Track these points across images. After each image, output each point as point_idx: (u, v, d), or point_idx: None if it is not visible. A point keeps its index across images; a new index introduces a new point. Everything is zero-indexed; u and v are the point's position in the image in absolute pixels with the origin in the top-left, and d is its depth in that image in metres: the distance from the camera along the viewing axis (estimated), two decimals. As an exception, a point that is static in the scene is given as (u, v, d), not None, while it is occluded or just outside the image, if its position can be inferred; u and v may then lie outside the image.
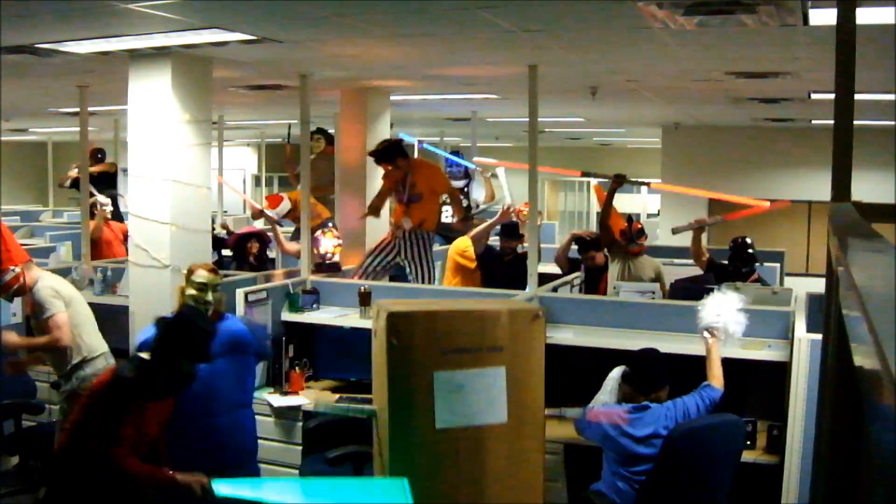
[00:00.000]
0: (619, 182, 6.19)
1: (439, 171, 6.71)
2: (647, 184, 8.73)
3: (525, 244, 6.52)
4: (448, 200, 6.82)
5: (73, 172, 8.61)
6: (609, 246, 6.23)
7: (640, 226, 6.24)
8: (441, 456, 2.68)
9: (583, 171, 7.91)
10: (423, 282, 6.04)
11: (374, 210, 6.30)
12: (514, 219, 6.94)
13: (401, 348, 2.62)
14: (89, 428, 3.24)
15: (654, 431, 3.55)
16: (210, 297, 3.97)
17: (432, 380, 2.60)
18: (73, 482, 3.29)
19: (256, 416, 4.76)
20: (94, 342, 4.49)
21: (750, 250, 5.87)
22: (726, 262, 5.95)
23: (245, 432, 4.10)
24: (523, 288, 5.97)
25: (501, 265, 6.51)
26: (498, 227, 6.79)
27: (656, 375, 3.75)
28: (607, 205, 6.32)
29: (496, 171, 8.50)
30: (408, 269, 6.15)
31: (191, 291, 3.95)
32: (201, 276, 3.98)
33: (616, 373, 3.84)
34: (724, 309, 3.93)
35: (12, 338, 4.46)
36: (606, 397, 3.80)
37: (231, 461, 3.98)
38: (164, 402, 3.43)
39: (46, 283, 4.39)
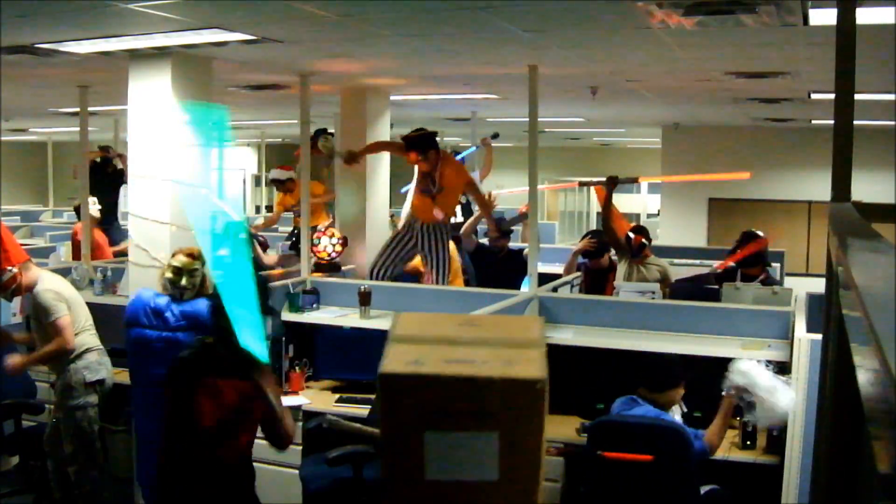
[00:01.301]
0: (612, 184, 6.22)
1: (462, 165, 6.64)
2: (636, 179, 8.71)
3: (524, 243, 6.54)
4: (470, 197, 6.76)
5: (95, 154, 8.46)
6: (616, 247, 6.21)
7: (640, 240, 6.09)
8: (432, 502, 2.72)
9: (580, 182, 8.03)
10: (437, 274, 6.04)
11: (365, 151, 6.16)
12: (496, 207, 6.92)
13: (391, 405, 2.66)
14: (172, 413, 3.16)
15: None
16: (184, 281, 4.08)
17: (423, 438, 2.63)
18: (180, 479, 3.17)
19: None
20: (88, 338, 4.55)
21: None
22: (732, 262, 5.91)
23: None
24: (518, 286, 5.96)
25: (495, 262, 6.51)
26: (485, 225, 6.79)
27: (669, 374, 3.77)
28: (606, 208, 6.32)
29: (496, 134, 8.44)
30: (424, 261, 6.13)
31: (168, 275, 4.09)
32: (177, 260, 4.11)
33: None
34: (755, 380, 3.70)
35: (16, 360, 4.49)
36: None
37: None
38: (240, 386, 3.17)
39: (47, 287, 4.42)
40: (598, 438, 3.57)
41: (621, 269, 6.10)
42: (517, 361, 2.67)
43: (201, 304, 4.14)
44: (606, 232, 6.25)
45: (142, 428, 4.30)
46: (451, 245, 6.27)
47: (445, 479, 2.66)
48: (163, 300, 4.12)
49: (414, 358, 2.73)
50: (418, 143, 5.85)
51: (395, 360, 2.73)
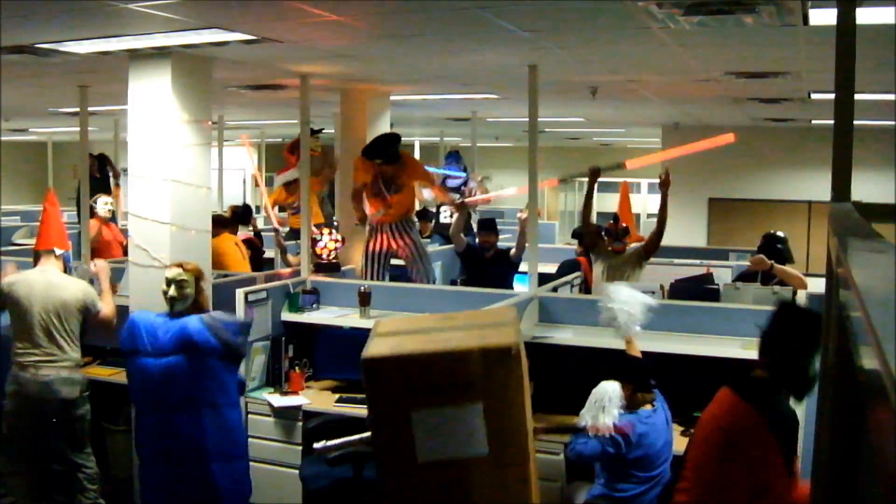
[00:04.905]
0: (594, 175, 5.93)
1: (414, 159, 6.64)
2: (622, 165, 8.63)
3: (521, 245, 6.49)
4: (421, 186, 6.80)
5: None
6: (592, 247, 6.08)
7: (624, 225, 6.12)
8: (426, 488, 2.74)
9: (560, 179, 7.90)
10: (419, 263, 6.04)
11: (364, 218, 6.16)
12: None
13: (377, 390, 2.68)
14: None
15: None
16: (173, 291, 4.06)
17: (410, 418, 2.64)
18: None
19: (258, 417, 4.76)
20: (31, 352, 4.43)
21: (779, 245, 5.69)
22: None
23: (210, 433, 3.96)
24: (509, 286, 5.93)
25: (484, 263, 6.46)
26: (475, 224, 6.79)
27: (649, 372, 3.77)
28: (587, 203, 6.12)
29: (489, 176, 8.50)
30: (404, 263, 6.13)
31: (162, 287, 4.12)
32: (169, 272, 4.14)
33: (610, 388, 3.59)
34: (636, 305, 3.87)
35: None
36: (611, 414, 3.55)
37: (192, 459, 3.96)
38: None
39: (9, 281, 4.56)
40: None
41: (598, 268, 5.95)
42: (491, 335, 2.71)
43: (192, 322, 3.99)
44: (584, 226, 6.14)
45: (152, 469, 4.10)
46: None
47: (437, 459, 2.69)
48: (160, 319, 4.06)
49: (395, 343, 2.75)
50: (396, 153, 5.89)
51: (376, 348, 2.75)
